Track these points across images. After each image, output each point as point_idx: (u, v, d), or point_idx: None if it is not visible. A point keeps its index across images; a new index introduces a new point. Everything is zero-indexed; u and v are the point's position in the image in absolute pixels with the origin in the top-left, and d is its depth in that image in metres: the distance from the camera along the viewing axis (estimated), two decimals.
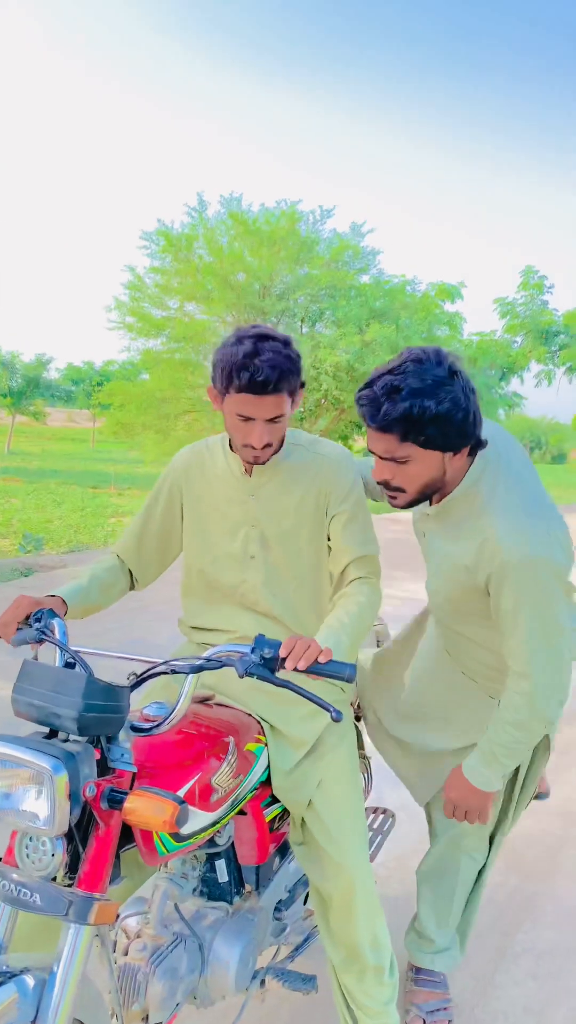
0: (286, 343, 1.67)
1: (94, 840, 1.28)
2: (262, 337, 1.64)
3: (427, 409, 1.53)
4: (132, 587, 2.01)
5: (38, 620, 1.54)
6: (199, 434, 13.32)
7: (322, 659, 1.37)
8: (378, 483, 1.71)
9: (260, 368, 1.59)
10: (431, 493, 1.71)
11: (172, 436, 13.63)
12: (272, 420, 1.68)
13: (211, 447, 1.92)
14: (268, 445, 1.71)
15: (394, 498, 1.70)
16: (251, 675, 1.34)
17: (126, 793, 1.25)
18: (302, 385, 1.72)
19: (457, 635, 1.96)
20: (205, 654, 1.44)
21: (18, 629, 1.58)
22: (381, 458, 1.64)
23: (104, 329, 13.81)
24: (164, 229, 13.10)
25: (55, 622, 1.55)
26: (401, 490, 1.68)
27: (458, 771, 1.86)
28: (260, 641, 1.37)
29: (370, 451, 1.66)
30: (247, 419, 1.67)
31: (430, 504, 1.79)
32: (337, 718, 1.33)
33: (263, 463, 1.79)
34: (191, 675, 1.41)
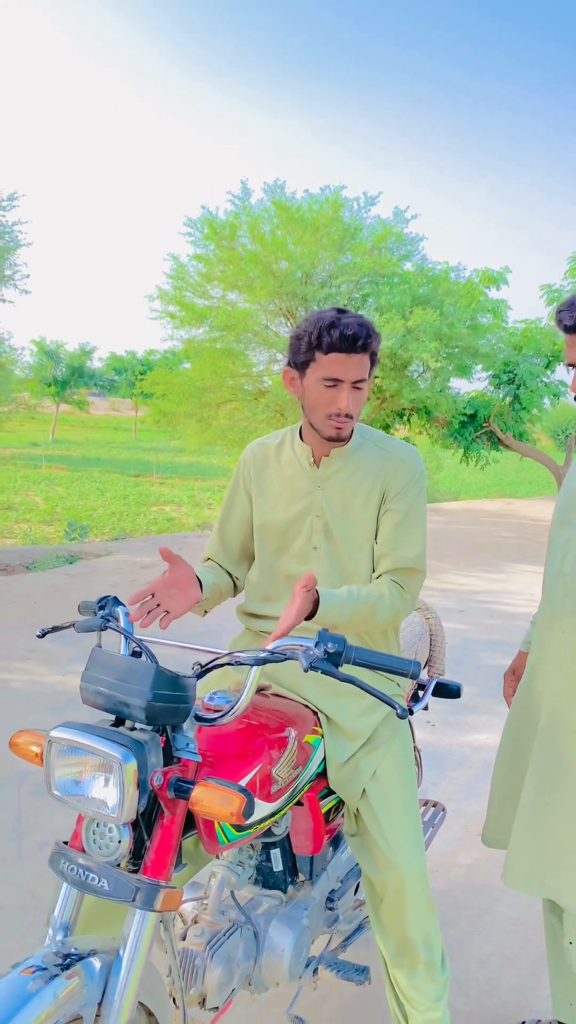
0: (361, 316, 1.75)
1: (159, 828, 1.29)
2: (341, 310, 1.73)
3: None
4: (235, 588, 2.02)
5: (102, 608, 1.56)
6: (240, 423, 13.35)
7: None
8: (575, 398, 1.68)
9: (350, 324, 1.66)
10: None
11: (214, 425, 13.67)
12: (356, 386, 1.73)
13: (280, 439, 1.94)
14: (350, 417, 1.75)
15: None
16: (315, 669, 1.34)
17: (193, 783, 1.26)
18: (376, 362, 1.77)
19: None
20: (269, 646, 1.44)
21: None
22: (574, 366, 1.63)
23: (146, 318, 13.87)
24: (208, 216, 13.11)
25: (119, 610, 1.56)
26: None
27: None
28: (323, 635, 1.37)
29: (569, 365, 1.65)
30: (335, 384, 1.71)
31: None
32: (402, 715, 1.33)
33: (344, 440, 1.80)
34: (255, 667, 1.41)
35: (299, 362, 1.75)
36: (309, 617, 1.59)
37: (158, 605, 1.63)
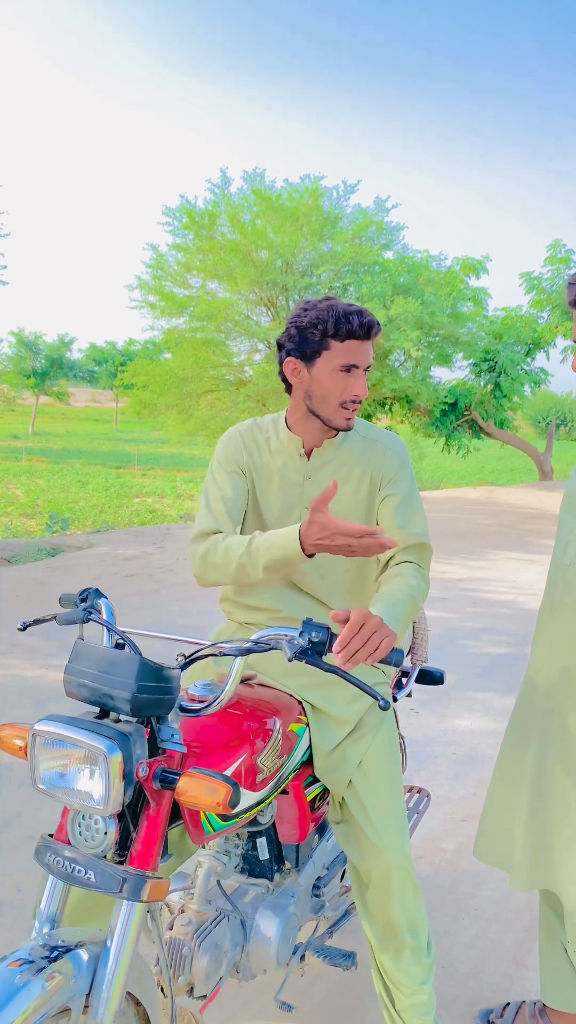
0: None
1: (145, 819, 1.29)
2: (333, 298, 1.76)
3: None
4: None
5: (84, 600, 1.56)
6: (222, 413, 13.32)
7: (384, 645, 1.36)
8: None
9: (363, 312, 1.72)
10: None
11: (195, 416, 13.64)
12: (366, 371, 1.77)
13: (264, 427, 1.91)
14: (359, 403, 1.78)
15: None
16: (300, 659, 1.35)
17: (178, 773, 1.26)
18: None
19: None
20: (253, 637, 1.45)
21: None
22: None
23: (126, 308, 13.81)
24: (187, 206, 13.03)
25: (102, 602, 1.56)
26: None
27: None
28: (308, 624, 1.37)
29: (574, 341, 1.65)
30: (350, 370, 1.73)
31: None
32: (385, 707, 1.33)
33: (350, 428, 1.81)
34: (239, 657, 1.42)
35: (308, 351, 1.74)
36: None
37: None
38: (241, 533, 1.90)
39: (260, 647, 1.41)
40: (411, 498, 1.85)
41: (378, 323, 1.76)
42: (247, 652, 1.40)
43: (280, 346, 1.80)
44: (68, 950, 1.24)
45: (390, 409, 15.29)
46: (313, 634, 1.36)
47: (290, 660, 1.37)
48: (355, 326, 1.70)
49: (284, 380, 1.83)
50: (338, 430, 1.81)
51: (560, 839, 1.67)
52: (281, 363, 1.80)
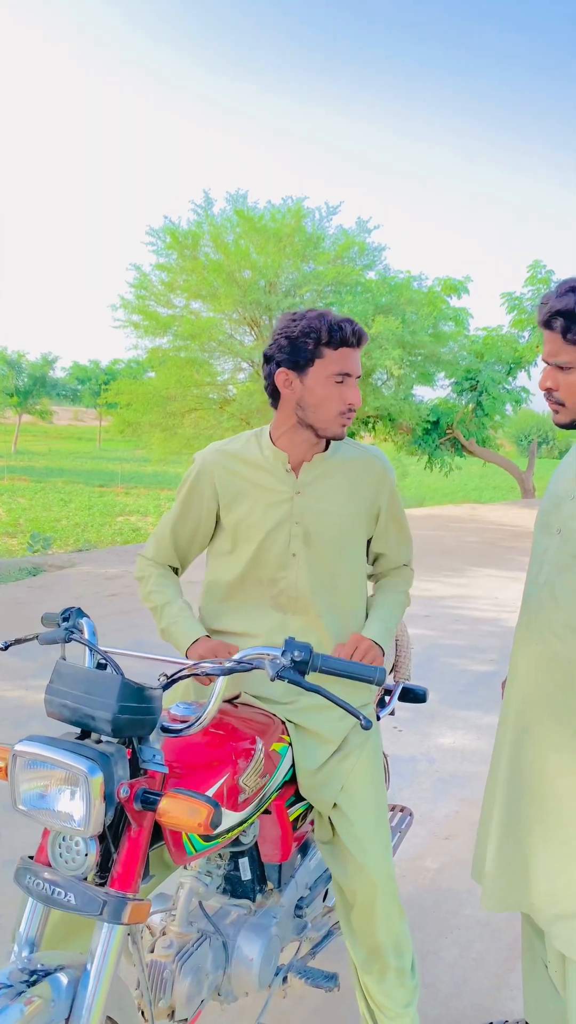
0: None
1: (126, 840, 1.29)
2: (319, 310, 1.80)
3: None
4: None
5: (66, 619, 1.55)
6: (206, 432, 13.34)
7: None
8: (544, 395, 1.66)
9: (353, 320, 1.76)
10: None
11: (179, 434, 13.65)
12: (358, 379, 1.81)
13: (245, 446, 1.88)
14: (354, 412, 1.81)
15: (556, 412, 1.63)
16: (282, 678, 1.35)
17: (160, 794, 1.26)
18: None
19: None
20: (236, 656, 1.45)
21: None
22: (547, 363, 1.60)
23: (110, 327, 13.84)
24: (170, 226, 13.11)
25: (84, 622, 1.56)
26: (562, 403, 1.60)
27: None
28: (290, 644, 1.37)
29: (543, 360, 1.64)
30: (344, 378, 1.75)
31: None
32: (367, 726, 1.34)
33: (343, 436, 1.84)
34: (221, 677, 1.42)
35: (301, 361, 1.74)
36: None
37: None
38: (223, 553, 1.90)
39: (243, 666, 1.42)
40: (404, 519, 1.98)
41: (366, 332, 1.80)
42: (230, 672, 1.41)
43: (268, 358, 1.78)
44: (47, 974, 1.23)
45: (373, 427, 15.38)
46: (296, 653, 1.36)
47: (273, 679, 1.37)
48: (348, 334, 1.72)
49: (271, 393, 1.82)
50: (331, 439, 1.82)
51: (533, 860, 1.67)
52: (271, 375, 1.78)
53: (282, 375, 1.77)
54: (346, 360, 1.74)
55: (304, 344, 1.72)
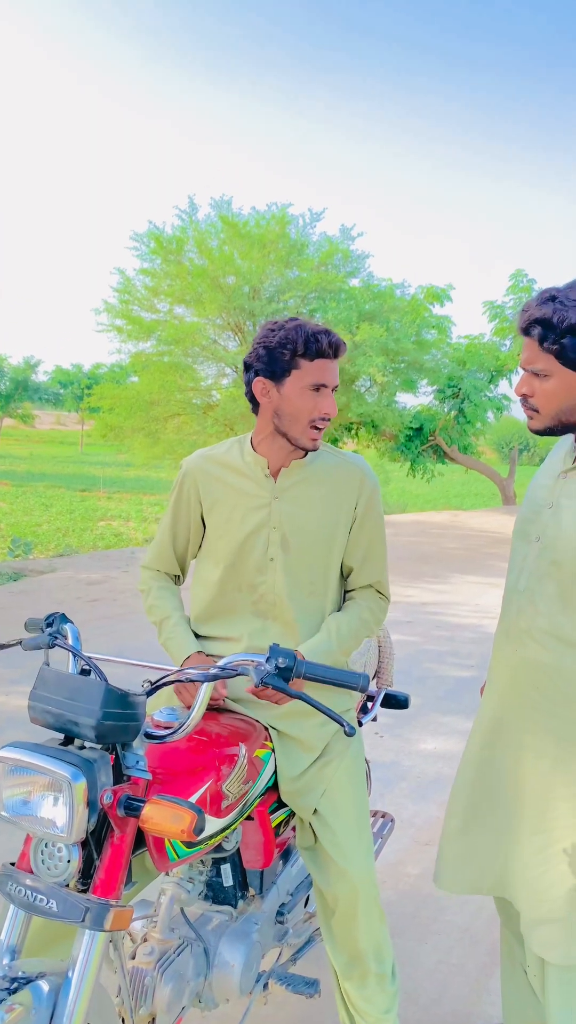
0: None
1: (109, 847, 1.29)
2: (298, 319, 1.80)
3: (567, 318, 1.49)
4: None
5: (50, 625, 1.55)
6: (189, 437, 13.31)
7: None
8: (520, 401, 1.66)
9: (331, 332, 1.76)
10: (569, 426, 1.61)
11: (162, 439, 13.62)
12: (334, 390, 1.81)
13: (228, 451, 1.92)
14: (328, 422, 1.81)
15: (531, 418, 1.64)
16: (267, 685, 1.36)
17: (143, 801, 1.26)
18: None
19: (573, 655, 1.59)
20: (220, 663, 1.45)
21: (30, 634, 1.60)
22: (525, 370, 1.61)
23: (93, 332, 13.77)
24: (155, 231, 13.10)
25: (68, 627, 1.56)
26: (537, 410, 1.61)
27: None
28: (275, 651, 1.38)
29: (520, 366, 1.65)
30: (319, 389, 1.76)
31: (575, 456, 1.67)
32: (350, 733, 1.35)
33: (316, 448, 1.84)
34: (206, 683, 1.42)
35: (277, 371, 1.76)
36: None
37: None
38: (205, 557, 1.94)
39: (227, 673, 1.42)
40: (381, 530, 1.93)
41: (344, 343, 1.79)
42: (214, 678, 1.41)
43: (248, 367, 1.81)
44: (28, 981, 1.23)
45: (356, 434, 15.42)
46: (280, 660, 1.37)
47: (257, 686, 1.38)
48: (324, 345, 1.73)
49: (251, 400, 1.84)
50: (304, 450, 1.83)
51: (511, 863, 1.69)
52: (249, 383, 1.81)
53: (259, 384, 1.79)
54: (322, 371, 1.75)
55: (281, 354, 1.74)
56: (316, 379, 1.75)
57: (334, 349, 1.75)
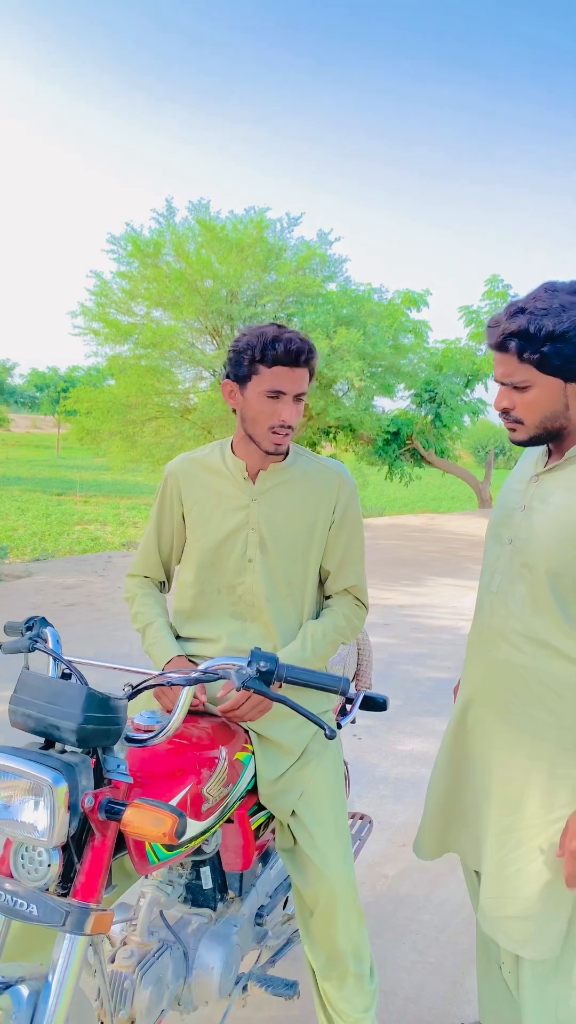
0: (300, 332, 1.82)
1: (90, 851, 1.29)
2: (280, 326, 1.79)
3: (543, 327, 1.50)
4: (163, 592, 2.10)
5: (30, 628, 1.55)
6: (166, 440, 13.28)
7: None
8: (500, 414, 1.66)
9: (292, 339, 1.74)
10: (553, 433, 1.62)
11: (139, 443, 13.57)
12: (298, 398, 1.79)
13: (209, 454, 1.95)
14: (291, 429, 1.81)
15: (513, 430, 1.64)
16: (248, 688, 1.37)
17: (124, 804, 1.27)
18: (313, 376, 1.84)
19: (546, 656, 1.61)
20: (201, 666, 1.46)
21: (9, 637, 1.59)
22: (502, 384, 1.62)
23: (69, 335, 13.68)
24: (132, 234, 13.07)
25: (48, 631, 1.56)
26: (520, 421, 1.61)
27: None
28: (256, 654, 1.39)
29: (496, 381, 1.64)
30: (277, 396, 1.76)
31: (547, 460, 1.68)
32: (331, 736, 1.36)
33: (282, 454, 1.85)
34: (186, 688, 1.43)
35: (240, 375, 1.78)
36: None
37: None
38: (187, 559, 1.95)
39: (208, 676, 1.43)
40: (359, 535, 1.94)
41: (310, 350, 1.77)
42: (195, 682, 1.42)
43: (224, 369, 1.85)
44: (8, 986, 1.23)
45: (334, 437, 15.47)
46: (261, 663, 1.38)
47: (238, 689, 1.39)
48: (280, 353, 1.72)
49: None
50: (266, 453, 1.84)
51: (484, 861, 1.72)
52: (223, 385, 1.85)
53: (227, 387, 1.83)
54: (280, 378, 1.74)
55: (242, 359, 1.76)
56: (272, 386, 1.75)
57: (292, 357, 1.73)
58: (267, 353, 1.73)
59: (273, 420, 1.77)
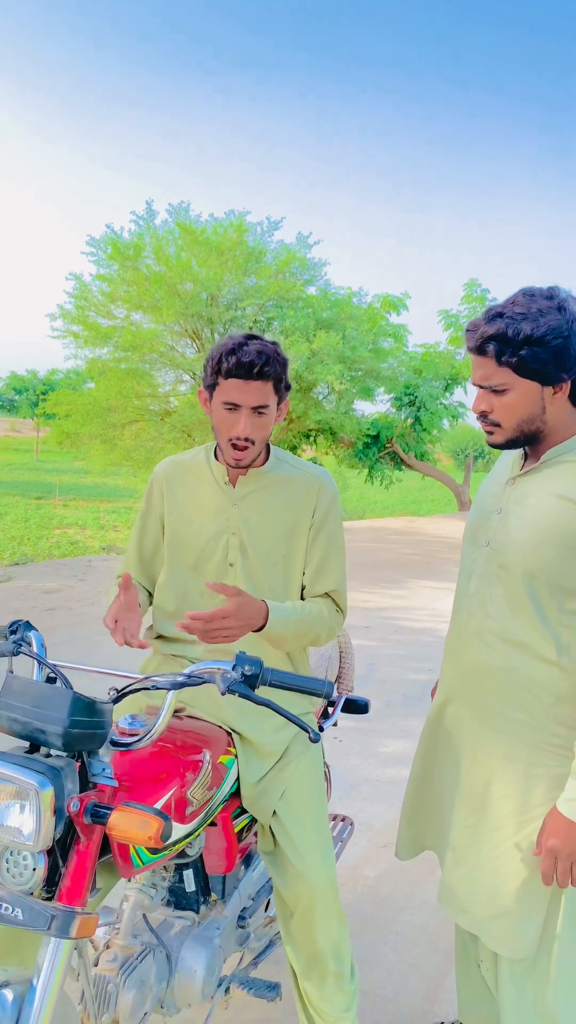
0: (273, 343, 1.80)
1: (75, 854, 1.30)
2: (250, 336, 1.79)
3: (521, 330, 1.52)
4: (150, 602, 2.06)
5: (14, 632, 1.56)
6: (146, 444, 13.23)
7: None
8: (478, 417, 1.68)
9: (247, 352, 1.72)
10: (530, 436, 1.64)
11: (119, 446, 13.50)
12: (257, 411, 1.77)
13: (194, 457, 1.97)
14: (250, 441, 1.78)
15: (491, 433, 1.66)
16: (233, 692, 1.38)
17: (110, 808, 1.28)
18: (287, 388, 1.83)
19: (522, 657, 1.63)
20: (186, 670, 1.47)
21: None
22: (480, 387, 1.63)
23: (48, 337, 13.59)
24: (112, 237, 13.02)
25: (32, 635, 1.56)
26: (498, 424, 1.63)
27: (555, 813, 1.56)
28: (241, 658, 1.41)
29: (474, 384, 1.66)
30: (233, 408, 1.76)
31: (523, 464, 1.70)
32: (315, 739, 1.38)
33: (245, 466, 1.84)
34: (171, 691, 1.44)
35: (208, 384, 1.81)
36: (258, 630, 1.71)
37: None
38: (169, 562, 1.96)
39: (193, 680, 1.44)
40: (337, 542, 1.94)
41: (268, 363, 1.73)
42: (180, 686, 1.43)
43: None
44: None
45: (314, 441, 15.50)
46: (246, 667, 1.40)
47: (223, 693, 1.40)
48: (231, 365, 1.72)
49: None
50: (231, 466, 1.85)
51: (462, 862, 1.74)
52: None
53: (202, 394, 1.86)
54: (234, 391, 1.74)
55: (208, 369, 1.79)
56: (227, 397, 1.76)
57: (245, 370, 1.71)
58: (222, 365, 1.73)
59: (231, 432, 1.77)
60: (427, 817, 1.89)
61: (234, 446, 1.78)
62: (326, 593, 1.95)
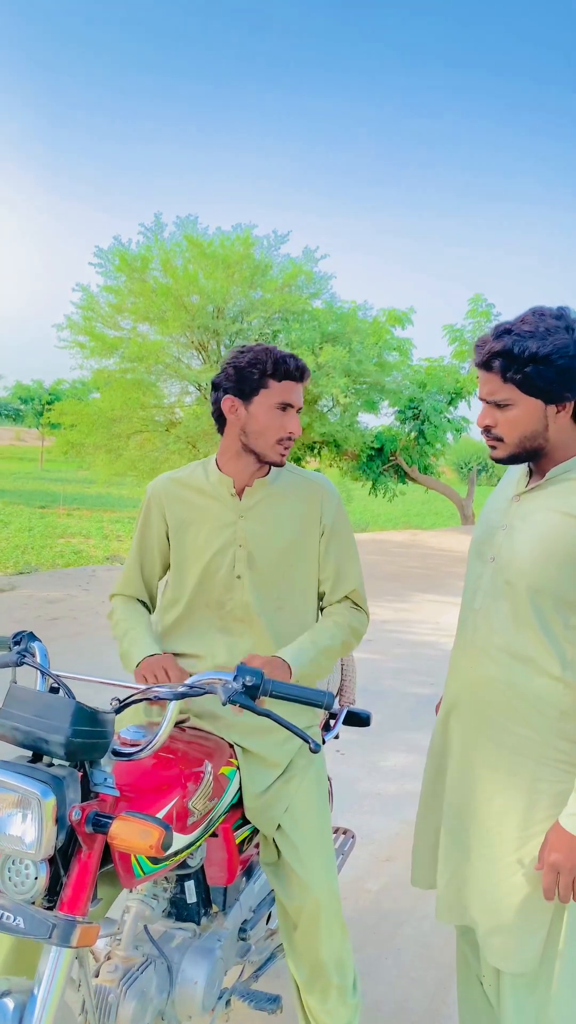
0: None
1: (76, 864, 1.30)
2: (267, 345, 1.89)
3: (527, 348, 1.55)
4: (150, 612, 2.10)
5: (18, 643, 1.57)
6: (151, 454, 13.27)
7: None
8: (482, 431, 1.70)
9: (295, 357, 1.87)
10: (532, 452, 1.65)
11: (124, 456, 13.54)
12: (298, 411, 1.90)
13: (191, 473, 1.98)
14: (292, 441, 1.89)
15: (494, 447, 1.67)
16: (234, 703, 1.39)
17: (111, 817, 1.28)
18: None
19: (527, 672, 1.63)
20: (188, 681, 1.48)
21: None
22: (485, 402, 1.66)
23: (55, 348, 13.65)
24: (120, 248, 13.11)
25: (36, 645, 1.58)
26: (500, 439, 1.65)
27: (557, 828, 1.56)
28: (242, 669, 1.41)
29: (480, 399, 1.68)
30: (286, 408, 1.85)
31: (528, 481, 1.71)
32: (315, 749, 1.39)
33: (283, 464, 1.91)
34: (173, 702, 1.45)
35: (246, 390, 1.84)
36: None
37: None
38: (174, 578, 1.97)
39: (195, 691, 1.45)
40: (350, 543, 1.99)
41: (308, 369, 1.90)
42: (182, 696, 1.44)
43: (216, 386, 1.89)
44: None
45: (319, 453, 15.54)
46: (247, 678, 1.40)
47: (224, 704, 1.41)
48: (292, 368, 1.84)
49: (217, 419, 1.92)
50: (271, 465, 1.89)
51: (471, 876, 1.74)
52: (218, 401, 1.88)
53: (228, 402, 1.87)
54: (289, 392, 1.85)
55: (250, 374, 1.82)
56: (283, 398, 1.84)
57: (300, 372, 1.86)
58: (279, 368, 1.82)
59: (282, 432, 1.85)
60: (439, 842, 1.84)
61: (282, 444, 1.87)
62: (346, 595, 1.99)
